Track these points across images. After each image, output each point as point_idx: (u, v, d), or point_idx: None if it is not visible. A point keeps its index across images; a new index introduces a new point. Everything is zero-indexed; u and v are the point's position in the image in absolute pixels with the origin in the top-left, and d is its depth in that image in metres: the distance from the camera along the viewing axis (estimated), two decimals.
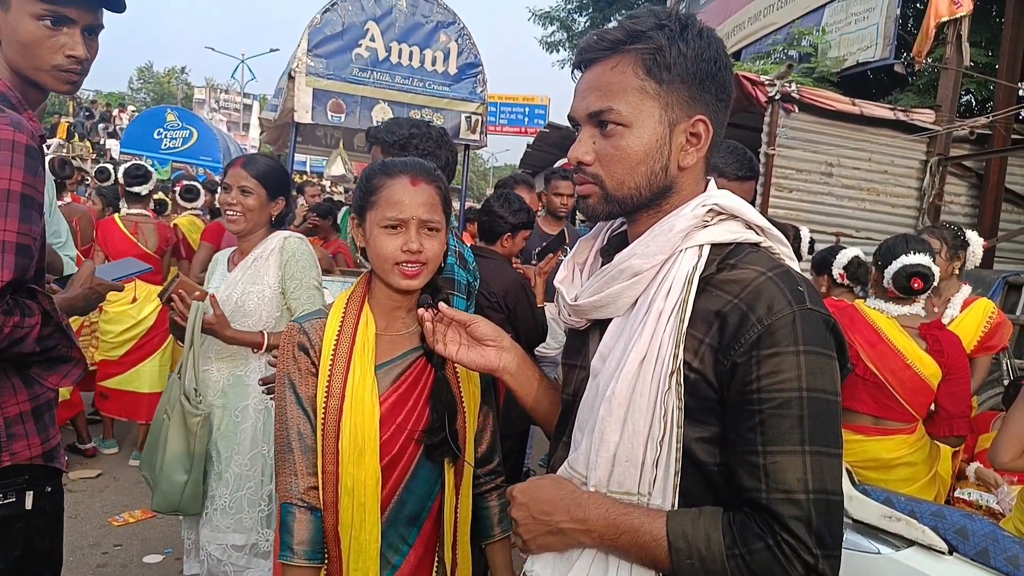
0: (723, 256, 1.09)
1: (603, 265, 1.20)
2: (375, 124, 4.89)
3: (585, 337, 1.23)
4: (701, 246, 1.10)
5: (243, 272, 2.47)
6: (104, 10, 1.61)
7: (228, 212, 2.44)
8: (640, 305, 1.11)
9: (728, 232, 1.11)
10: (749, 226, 1.13)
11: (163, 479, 2.28)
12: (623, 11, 16.34)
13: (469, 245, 2.46)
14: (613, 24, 1.15)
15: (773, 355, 0.99)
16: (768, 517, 0.98)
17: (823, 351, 1.01)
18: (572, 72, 1.19)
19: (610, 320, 1.16)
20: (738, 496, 1.02)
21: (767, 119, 6.06)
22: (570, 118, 1.18)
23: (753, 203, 6.20)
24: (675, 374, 1.04)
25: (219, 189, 2.67)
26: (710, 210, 1.11)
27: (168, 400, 2.35)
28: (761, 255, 1.10)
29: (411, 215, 1.45)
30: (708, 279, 1.08)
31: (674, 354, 1.04)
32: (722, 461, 1.05)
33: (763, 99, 5.95)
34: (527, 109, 21.78)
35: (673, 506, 1.05)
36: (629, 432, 1.06)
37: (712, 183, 1.18)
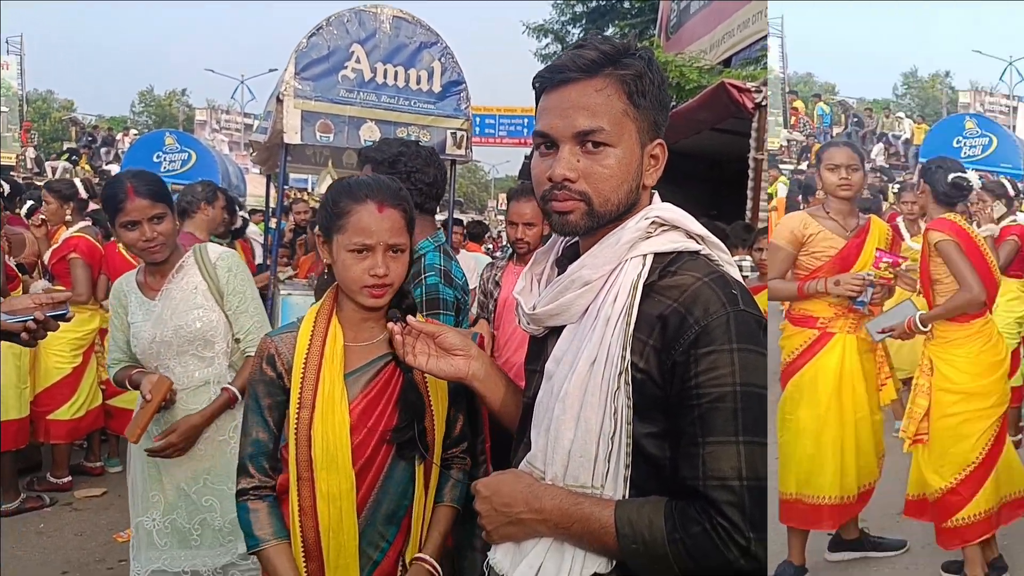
0: (665, 264, 1.17)
1: (558, 276, 1.28)
2: (363, 142, 5.00)
3: (544, 344, 1.30)
4: (645, 255, 1.17)
5: (179, 296, 2.33)
6: None
7: (153, 247, 2.25)
8: (591, 312, 1.19)
9: (669, 242, 1.19)
10: (690, 235, 1.21)
11: None
12: (616, 21, 16.49)
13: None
14: (583, 47, 1.18)
15: (709, 353, 1.07)
16: (705, 503, 1.05)
17: (755, 348, 1.09)
18: (539, 88, 1.22)
19: (565, 327, 1.24)
20: (680, 485, 1.09)
21: (755, 125, 6.13)
22: (542, 134, 1.18)
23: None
24: (623, 374, 1.11)
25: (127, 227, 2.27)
26: (652, 222, 1.19)
27: None
28: (699, 262, 1.18)
29: (378, 240, 1.50)
30: (651, 286, 1.15)
31: (621, 356, 1.11)
32: (671, 455, 1.11)
33: (751, 106, 6.02)
34: (526, 120, 21.86)
35: (624, 497, 1.12)
36: (582, 429, 1.13)
37: (656, 197, 1.27)
